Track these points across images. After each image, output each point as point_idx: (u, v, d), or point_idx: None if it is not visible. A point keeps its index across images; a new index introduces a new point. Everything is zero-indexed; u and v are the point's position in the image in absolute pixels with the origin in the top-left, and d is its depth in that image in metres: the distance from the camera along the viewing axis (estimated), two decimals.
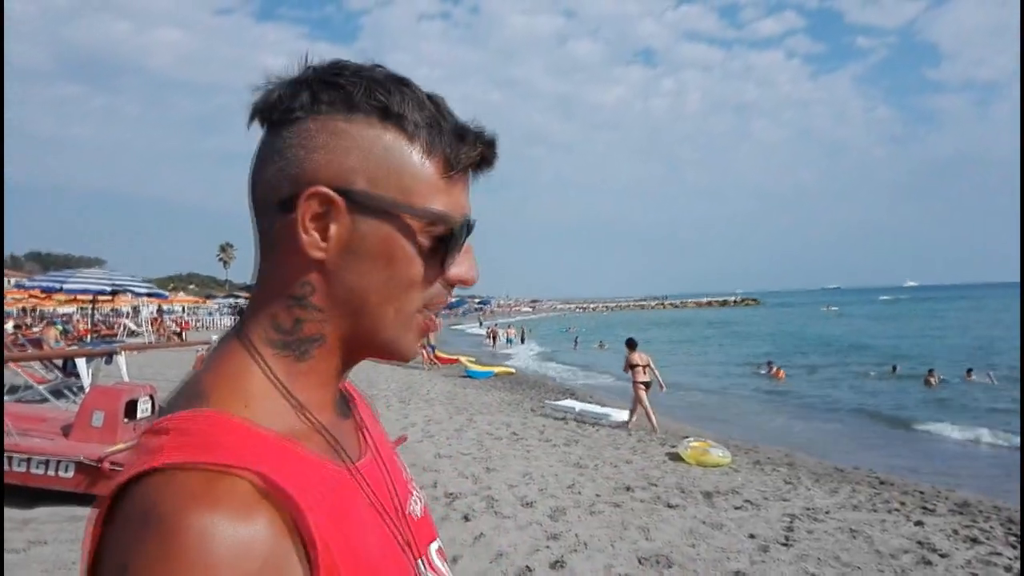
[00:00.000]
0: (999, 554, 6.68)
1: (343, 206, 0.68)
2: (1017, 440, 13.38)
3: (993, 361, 26.36)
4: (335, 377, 0.75)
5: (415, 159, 0.70)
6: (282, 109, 0.70)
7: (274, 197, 0.69)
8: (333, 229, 0.69)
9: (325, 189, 0.68)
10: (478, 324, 77.88)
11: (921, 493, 9.50)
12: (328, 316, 0.71)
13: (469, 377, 23.75)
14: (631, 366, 13.83)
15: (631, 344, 14.19)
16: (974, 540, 7.18)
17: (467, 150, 0.72)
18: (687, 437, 11.62)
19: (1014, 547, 7.03)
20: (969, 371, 23.50)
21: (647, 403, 13.59)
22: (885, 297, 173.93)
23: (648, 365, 13.81)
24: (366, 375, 20.59)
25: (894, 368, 26.15)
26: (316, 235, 0.68)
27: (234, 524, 0.54)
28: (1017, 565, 6.36)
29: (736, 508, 7.76)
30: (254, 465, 0.58)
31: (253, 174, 0.72)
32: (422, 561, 0.77)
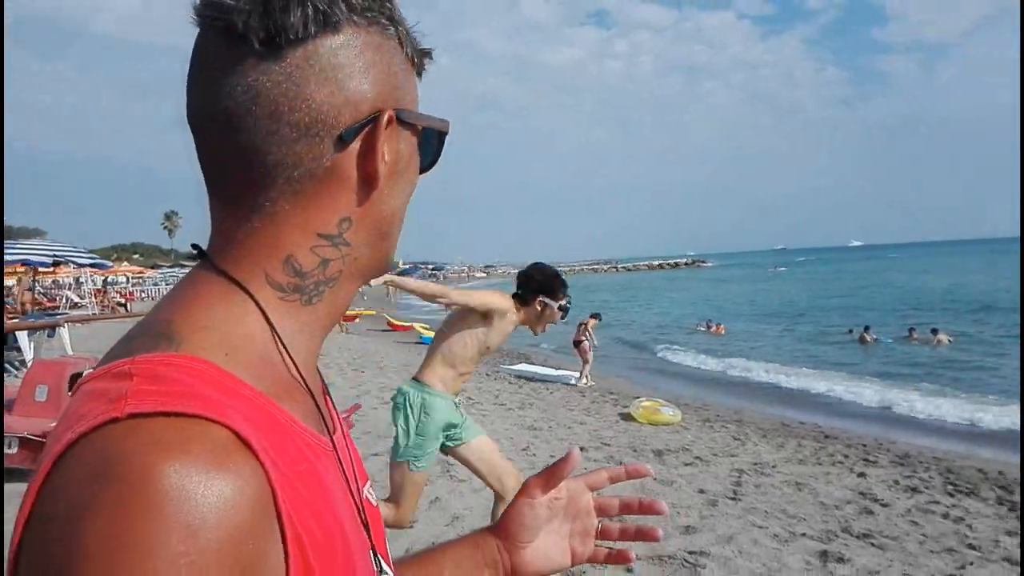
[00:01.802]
0: (937, 502, 6.98)
1: (395, 126, 0.66)
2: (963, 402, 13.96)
3: (937, 323, 26.53)
4: (332, 324, 0.69)
5: (408, 66, 0.69)
6: (318, 17, 0.60)
7: (328, 125, 0.61)
8: (387, 153, 0.65)
9: (392, 111, 0.65)
10: None
11: (864, 446, 9.83)
12: (352, 249, 0.66)
13: (424, 344, 23.71)
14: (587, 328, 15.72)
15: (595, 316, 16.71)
16: (914, 489, 7.48)
17: (424, 52, 0.71)
18: (638, 397, 11.83)
19: (951, 495, 7.35)
20: (911, 330, 23.87)
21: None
22: (806, 258, 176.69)
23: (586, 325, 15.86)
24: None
25: (850, 331, 25.68)
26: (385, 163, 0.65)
27: (215, 474, 0.46)
28: (954, 512, 6.65)
29: (686, 464, 7.95)
30: (234, 423, 0.50)
31: (280, 101, 0.60)
32: (379, 557, 0.70)
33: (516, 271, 4.81)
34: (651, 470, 0.96)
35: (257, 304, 0.62)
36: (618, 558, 0.93)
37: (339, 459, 0.65)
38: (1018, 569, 5.20)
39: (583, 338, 15.72)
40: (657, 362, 21.58)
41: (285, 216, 0.63)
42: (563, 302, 4.07)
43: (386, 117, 0.64)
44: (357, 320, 30.17)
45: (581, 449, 8.43)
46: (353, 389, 12.08)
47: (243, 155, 0.61)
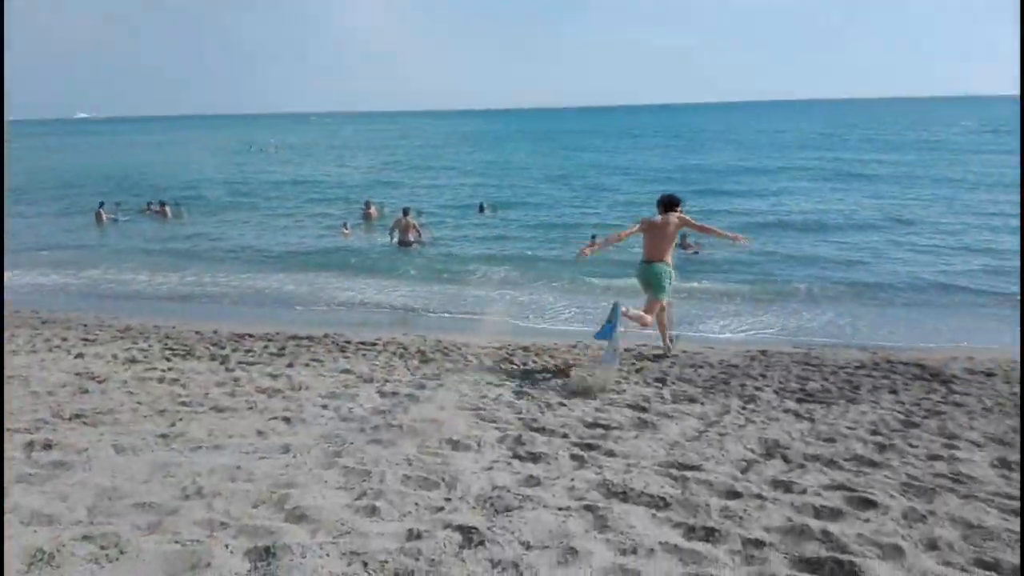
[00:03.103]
0: (155, 368, 7.15)
1: None
2: None
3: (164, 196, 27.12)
4: None
5: None
6: None
7: None
8: None
9: None
10: None
11: (84, 326, 9.47)
12: None
13: None
14: None
15: None
16: (133, 360, 7.51)
17: None
18: None
19: (169, 359, 7.62)
20: (149, 204, 24.00)
21: None
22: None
23: None
24: None
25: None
26: None
27: None
28: (170, 375, 6.91)
29: None
30: None
31: None
32: None
33: None
34: None
35: None
36: None
37: None
38: None
39: None
40: None
41: None
42: None
43: None
44: None
45: None
46: None
47: None
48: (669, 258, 7.39)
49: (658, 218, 7.42)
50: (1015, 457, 4.67)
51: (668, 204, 7.49)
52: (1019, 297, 11.58)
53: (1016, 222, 17.76)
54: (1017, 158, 35.46)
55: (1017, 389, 6.49)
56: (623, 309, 6.86)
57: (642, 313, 7.20)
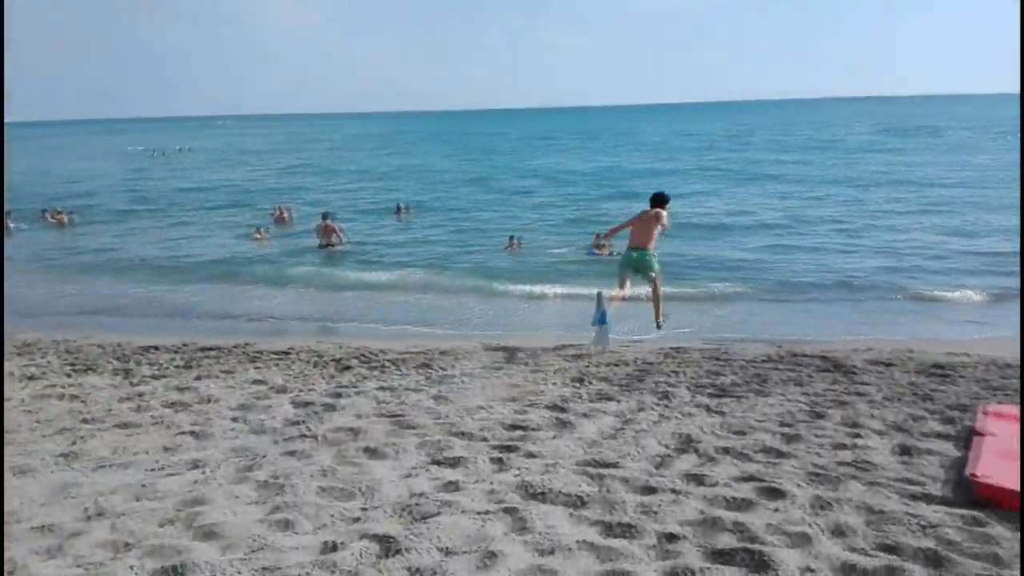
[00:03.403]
0: (55, 385, 6.81)
1: None
2: None
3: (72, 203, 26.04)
4: None
5: None
6: None
7: None
8: None
9: None
10: None
11: None
12: None
13: None
14: None
15: None
16: (31, 378, 7.14)
17: None
18: None
19: (70, 375, 7.27)
20: (44, 212, 22.90)
21: None
22: None
23: None
24: None
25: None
26: None
27: None
28: (70, 391, 6.58)
29: None
30: None
31: None
32: None
33: None
34: None
35: None
36: None
37: None
38: None
39: None
40: None
41: None
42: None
43: None
44: None
45: None
46: None
47: None
48: (652, 245, 8.51)
49: (644, 212, 8.59)
50: (912, 443, 4.90)
51: (657, 200, 8.66)
52: (911, 292, 12.23)
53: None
54: (909, 157, 37.48)
55: (915, 378, 6.83)
56: (607, 295, 8.43)
57: (617, 292, 8.48)
